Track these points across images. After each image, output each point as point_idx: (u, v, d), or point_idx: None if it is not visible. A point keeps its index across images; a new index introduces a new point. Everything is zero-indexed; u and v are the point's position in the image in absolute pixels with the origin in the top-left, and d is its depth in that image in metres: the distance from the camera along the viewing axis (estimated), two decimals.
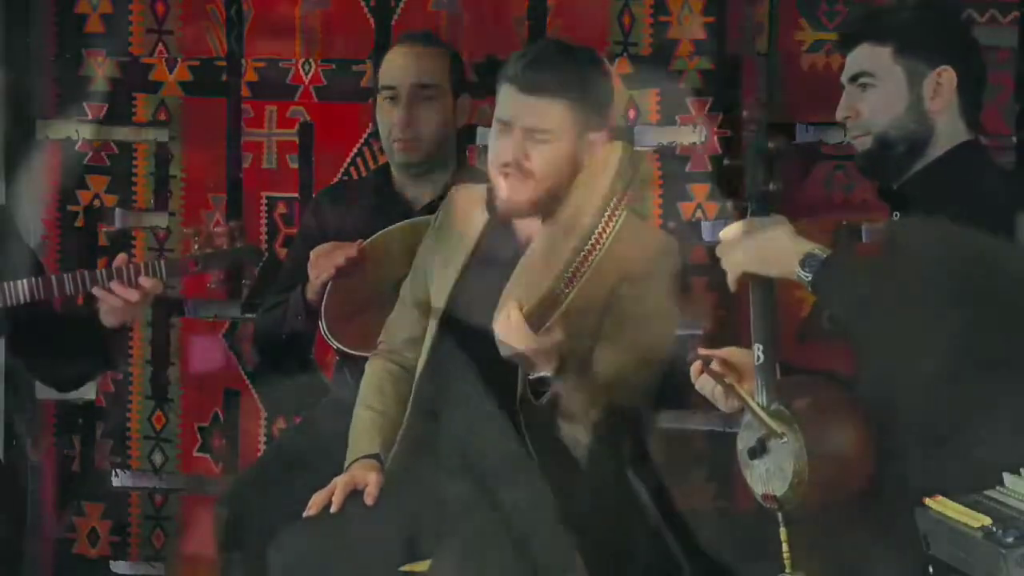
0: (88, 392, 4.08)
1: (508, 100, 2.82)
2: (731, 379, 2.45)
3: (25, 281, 2.97)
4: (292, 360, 3.52)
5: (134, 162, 4.09)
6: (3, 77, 4.04)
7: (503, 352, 2.71)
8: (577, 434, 2.76)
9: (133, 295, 2.96)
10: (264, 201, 4.01)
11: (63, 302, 3.15)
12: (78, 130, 4.09)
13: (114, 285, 2.95)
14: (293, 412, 3.92)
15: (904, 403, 2.40)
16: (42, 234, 4.08)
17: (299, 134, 3.98)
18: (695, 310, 3.45)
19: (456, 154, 3.53)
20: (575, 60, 2.85)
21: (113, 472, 4.12)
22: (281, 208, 4.00)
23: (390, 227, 3.34)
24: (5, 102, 4.06)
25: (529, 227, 2.86)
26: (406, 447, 2.89)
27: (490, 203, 2.85)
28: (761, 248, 2.40)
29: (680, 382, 2.60)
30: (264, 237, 3.98)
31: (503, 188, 2.81)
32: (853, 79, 2.70)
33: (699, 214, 3.67)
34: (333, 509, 2.79)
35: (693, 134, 3.65)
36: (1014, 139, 3.48)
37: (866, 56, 2.68)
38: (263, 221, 4.00)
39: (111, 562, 4.15)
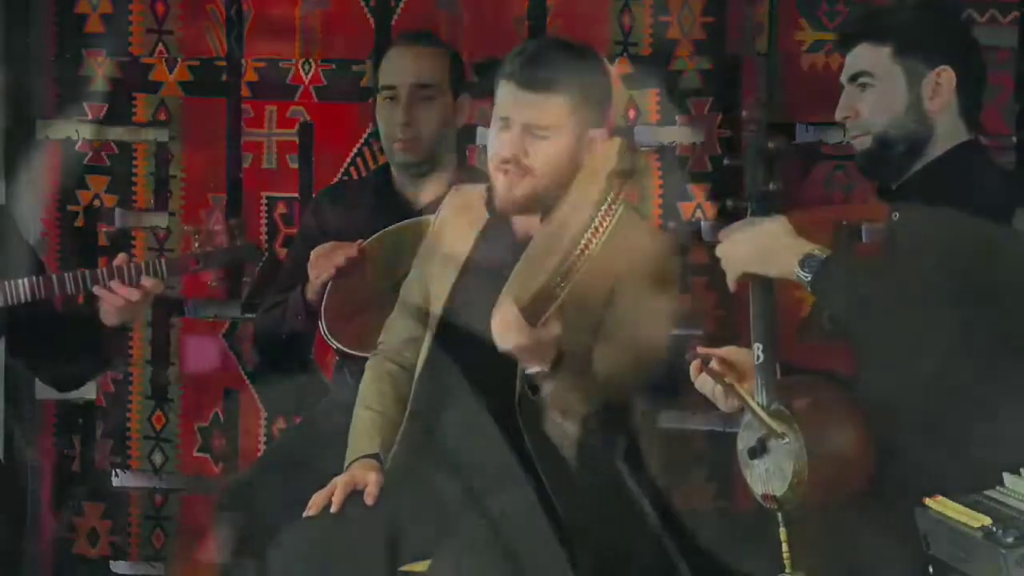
0: (88, 392, 4.07)
1: (507, 96, 2.81)
2: (731, 378, 2.45)
3: (26, 280, 2.97)
4: (292, 360, 3.52)
5: (134, 162, 4.09)
6: (3, 77, 4.04)
7: (500, 346, 2.71)
8: (567, 429, 2.76)
9: (134, 294, 2.96)
10: (264, 201, 4.01)
11: (64, 301, 3.15)
12: (78, 130, 4.09)
13: (115, 284, 2.96)
14: (293, 412, 3.92)
15: (904, 403, 2.41)
16: (41, 231, 4.08)
17: (299, 134, 3.98)
18: (695, 310, 3.45)
19: (456, 154, 3.53)
20: (574, 56, 2.84)
21: (113, 472, 4.12)
22: (281, 208, 4.00)
23: (390, 227, 3.34)
24: (5, 102, 4.06)
25: (528, 226, 2.86)
26: (406, 447, 2.89)
27: (489, 201, 2.86)
28: (761, 248, 2.41)
29: (680, 381, 2.61)
30: (264, 237, 3.98)
31: (502, 184, 2.81)
32: (853, 79, 2.70)
33: (699, 214, 3.67)
34: (333, 509, 2.79)
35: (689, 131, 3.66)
36: (1014, 139, 3.47)
37: (866, 56, 2.68)
38: (263, 221, 4.00)
39: (111, 562, 4.14)
